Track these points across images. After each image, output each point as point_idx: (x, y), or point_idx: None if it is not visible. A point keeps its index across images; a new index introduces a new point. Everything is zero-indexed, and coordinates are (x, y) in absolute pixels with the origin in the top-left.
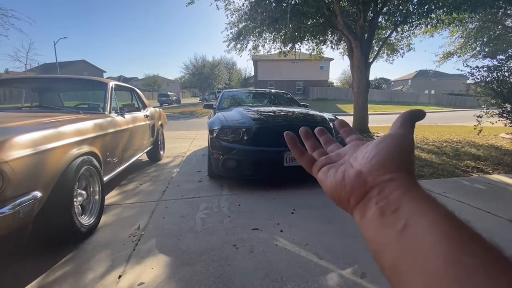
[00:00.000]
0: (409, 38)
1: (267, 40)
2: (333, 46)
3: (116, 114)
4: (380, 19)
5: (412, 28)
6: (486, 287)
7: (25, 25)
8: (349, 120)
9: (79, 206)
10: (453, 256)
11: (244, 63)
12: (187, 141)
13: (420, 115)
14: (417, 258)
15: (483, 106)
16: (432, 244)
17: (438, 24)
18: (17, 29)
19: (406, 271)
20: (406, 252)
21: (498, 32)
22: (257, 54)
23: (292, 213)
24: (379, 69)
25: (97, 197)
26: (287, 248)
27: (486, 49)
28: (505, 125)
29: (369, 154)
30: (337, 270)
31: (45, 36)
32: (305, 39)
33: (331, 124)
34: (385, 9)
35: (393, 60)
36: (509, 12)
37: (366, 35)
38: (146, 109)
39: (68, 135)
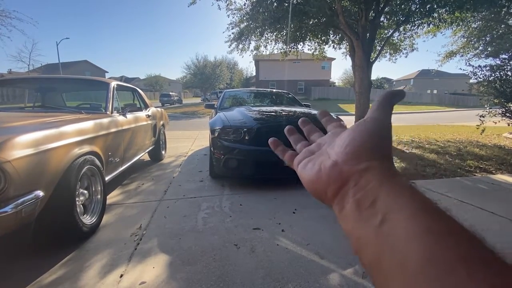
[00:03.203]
0: (412, 38)
1: (269, 40)
2: (335, 46)
3: (118, 114)
4: (382, 19)
5: (415, 28)
6: (466, 283)
7: (28, 26)
8: (351, 120)
9: (81, 205)
10: (431, 253)
11: (246, 63)
12: (189, 141)
13: (399, 95)
14: (394, 256)
15: (486, 106)
16: (409, 241)
17: (440, 24)
18: (20, 30)
19: (384, 269)
20: (384, 249)
21: (501, 31)
22: (259, 54)
23: (294, 212)
24: (381, 69)
25: (99, 196)
26: (288, 247)
27: (489, 49)
28: (508, 125)
29: (343, 142)
30: (339, 270)
31: (47, 37)
32: (307, 39)
33: None
34: (387, 8)
35: (396, 59)
36: (511, 11)
37: (368, 34)
38: (148, 109)
39: (70, 135)
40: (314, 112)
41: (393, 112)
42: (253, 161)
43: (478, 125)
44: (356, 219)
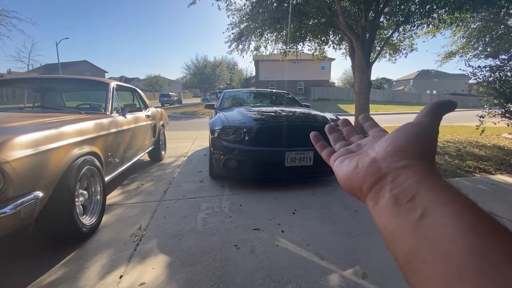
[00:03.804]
0: (411, 38)
1: (269, 41)
2: (335, 46)
3: (117, 114)
4: (381, 19)
5: (414, 28)
6: None
7: (27, 26)
8: (351, 120)
9: (80, 206)
10: (476, 248)
11: (246, 63)
12: (189, 141)
13: (451, 106)
14: (435, 249)
15: (485, 106)
16: (452, 235)
17: (440, 24)
18: (19, 30)
19: (422, 262)
20: (423, 242)
21: (500, 31)
22: (259, 54)
23: (293, 213)
24: (381, 69)
25: (98, 197)
26: (288, 248)
27: (489, 49)
28: (508, 125)
29: (385, 142)
30: (339, 271)
31: (47, 37)
32: (307, 39)
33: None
34: (386, 9)
35: (395, 60)
36: (511, 11)
37: (367, 35)
38: (148, 109)
39: (70, 135)
40: (313, 112)
41: (392, 112)
42: (253, 162)
43: (477, 126)
44: (392, 213)
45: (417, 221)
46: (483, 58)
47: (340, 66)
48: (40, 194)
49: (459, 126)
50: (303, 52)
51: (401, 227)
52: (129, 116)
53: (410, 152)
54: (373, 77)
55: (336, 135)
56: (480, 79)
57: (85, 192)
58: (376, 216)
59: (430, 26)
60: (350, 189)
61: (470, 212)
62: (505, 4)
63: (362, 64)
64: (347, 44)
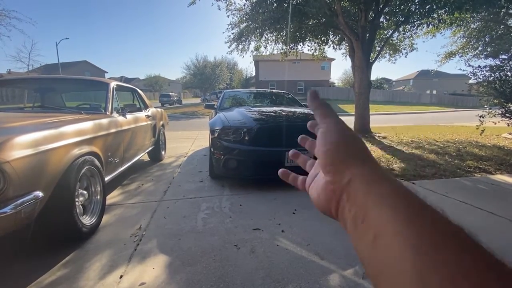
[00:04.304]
0: (411, 38)
1: (269, 41)
2: (335, 46)
3: (117, 114)
4: (381, 19)
5: (414, 28)
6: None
7: (27, 26)
8: (351, 120)
9: (80, 206)
10: (419, 275)
11: (246, 63)
12: (189, 141)
13: (316, 93)
14: (389, 273)
15: (485, 106)
16: (398, 260)
17: (440, 24)
18: (19, 30)
19: (384, 281)
20: (380, 265)
21: (500, 31)
22: (259, 55)
23: (294, 213)
24: (381, 69)
25: (98, 197)
26: (288, 248)
27: (488, 49)
28: (508, 125)
29: (321, 160)
30: (339, 271)
31: (47, 37)
32: (307, 40)
33: None
34: (386, 9)
35: (395, 60)
36: (511, 11)
37: (367, 35)
38: (148, 109)
39: (70, 135)
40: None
41: (392, 112)
42: (253, 162)
43: (477, 126)
44: (354, 236)
45: (371, 243)
46: (483, 58)
47: (340, 66)
48: (40, 194)
49: (459, 126)
50: (303, 52)
51: (362, 250)
52: (129, 116)
53: (344, 163)
54: (373, 77)
55: (302, 159)
56: (480, 79)
57: (85, 192)
58: (350, 237)
59: (430, 26)
60: (324, 213)
61: (411, 227)
62: (505, 4)
63: (362, 64)
64: (347, 44)
